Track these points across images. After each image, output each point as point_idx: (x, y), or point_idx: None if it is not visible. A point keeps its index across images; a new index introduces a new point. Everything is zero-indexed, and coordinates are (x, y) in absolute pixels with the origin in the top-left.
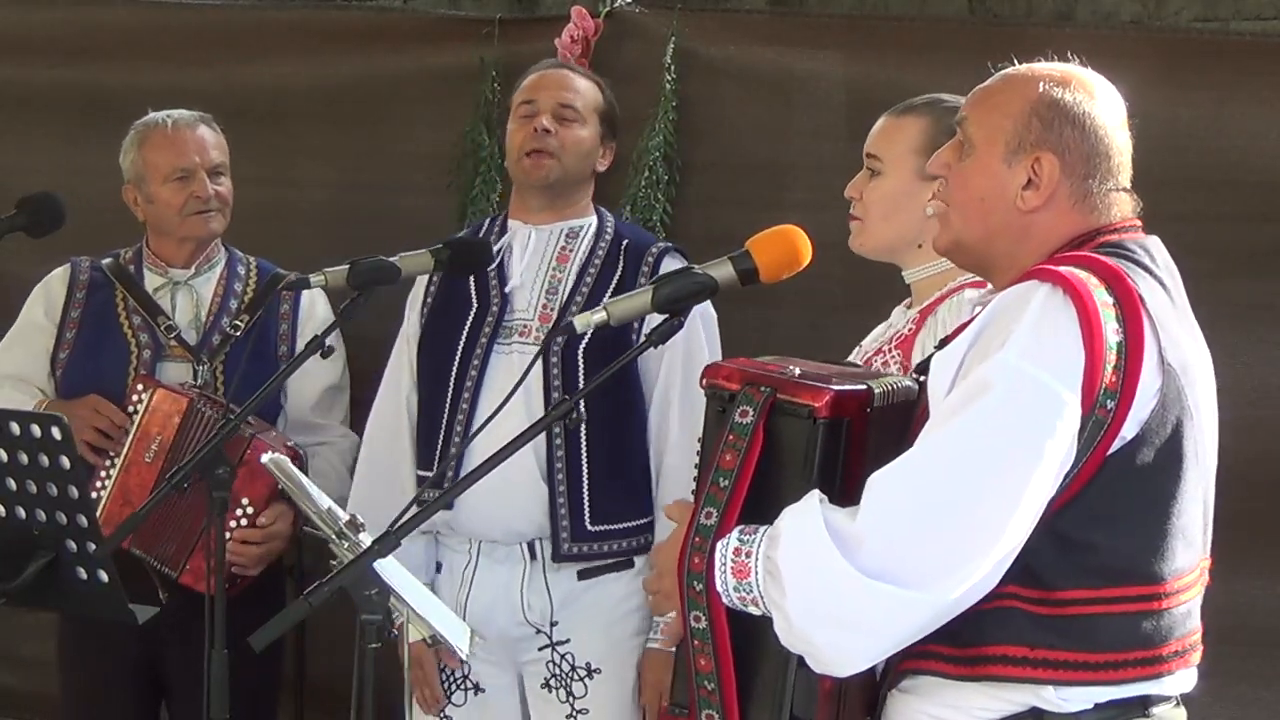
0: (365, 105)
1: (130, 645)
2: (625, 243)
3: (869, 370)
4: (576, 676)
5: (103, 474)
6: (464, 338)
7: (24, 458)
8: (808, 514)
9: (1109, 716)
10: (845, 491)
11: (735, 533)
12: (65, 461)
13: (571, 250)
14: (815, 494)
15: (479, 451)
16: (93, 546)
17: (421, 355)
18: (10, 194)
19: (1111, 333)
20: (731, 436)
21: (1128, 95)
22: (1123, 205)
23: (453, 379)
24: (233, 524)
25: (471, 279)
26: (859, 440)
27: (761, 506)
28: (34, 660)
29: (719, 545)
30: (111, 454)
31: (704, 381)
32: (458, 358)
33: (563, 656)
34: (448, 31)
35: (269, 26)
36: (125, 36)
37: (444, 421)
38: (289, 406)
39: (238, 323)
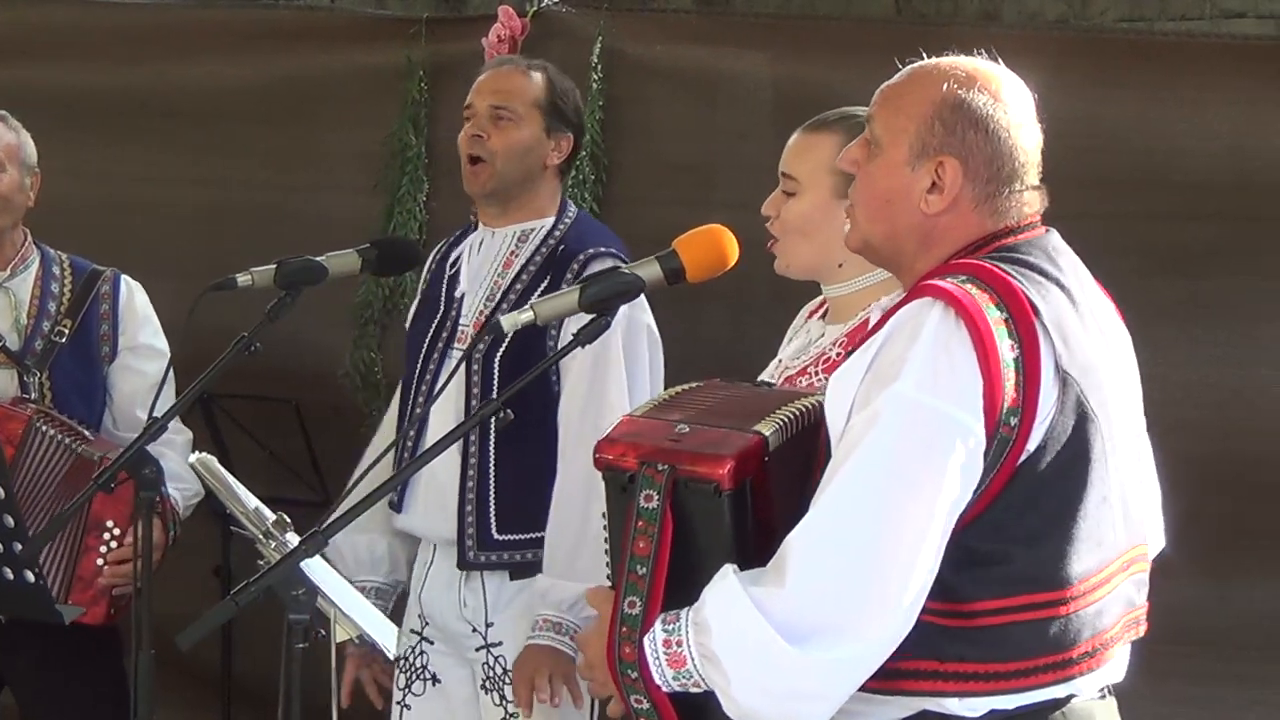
0: (294, 104)
1: None
2: (562, 247)
3: (772, 393)
4: (508, 680)
5: None
6: (426, 342)
7: None
8: (732, 596)
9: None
10: (759, 543)
11: (658, 625)
12: None
13: (519, 254)
14: (730, 570)
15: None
16: (18, 547)
17: (405, 358)
18: None
19: (1007, 349)
20: (641, 523)
21: (1053, 95)
22: (1026, 205)
23: (413, 384)
24: (103, 549)
25: (445, 283)
26: (763, 491)
27: (680, 582)
28: None
29: (645, 641)
30: None
31: (597, 459)
32: (419, 363)
33: (496, 659)
34: (375, 31)
35: (198, 26)
36: (53, 35)
37: (403, 426)
38: (115, 407)
39: (61, 328)
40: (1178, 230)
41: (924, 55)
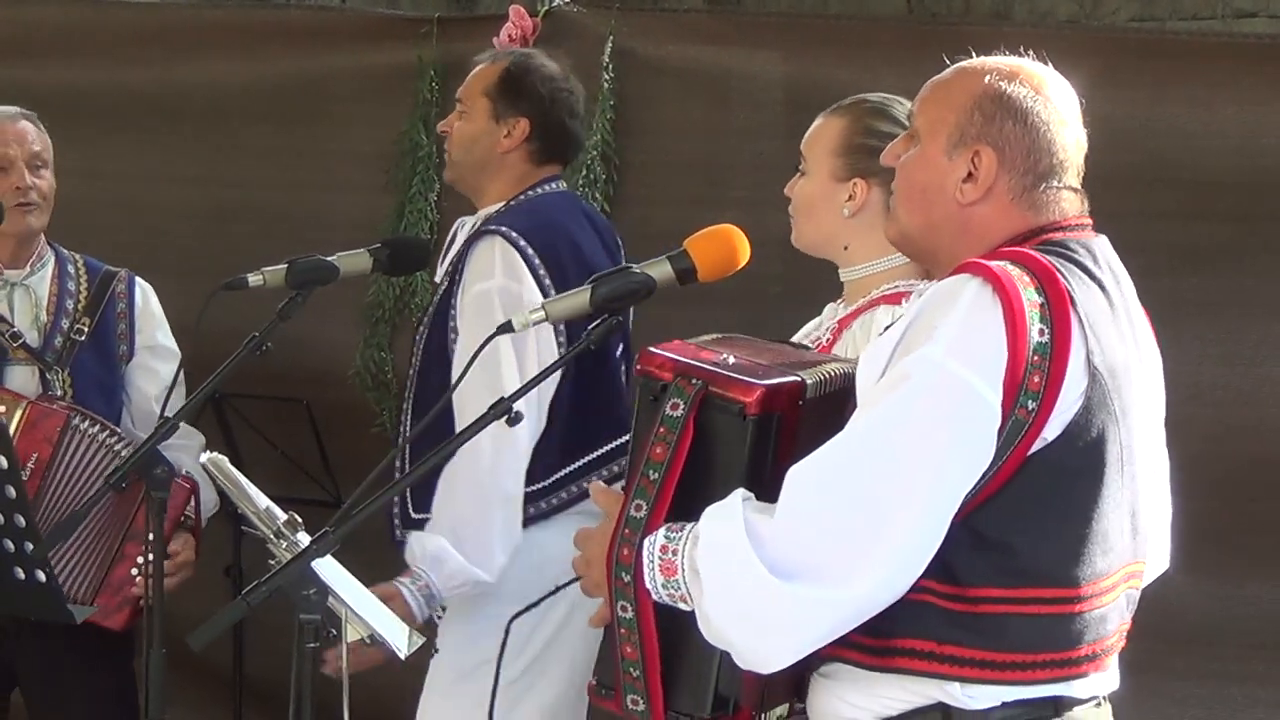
0: (304, 104)
1: None
2: (477, 225)
3: (814, 354)
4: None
5: None
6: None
7: None
8: (729, 515)
9: (1015, 715)
10: (775, 484)
11: (663, 530)
12: (1, 462)
13: None
14: (739, 493)
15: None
16: (30, 546)
17: None
18: None
19: (1036, 333)
20: (662, 429)
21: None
22: (1068, 204)
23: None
24: (139, 559)
25: None
26: (790, 433)
27: (691, 498)
28: None
29: (646, 542)
30: None
31: (638, 368)
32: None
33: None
34: (386, 31)
35: (207, 25)
36: (61, 35)
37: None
38: (134, 406)
39: (80, 325)
40: (1187, 229)
41: (945, 57)
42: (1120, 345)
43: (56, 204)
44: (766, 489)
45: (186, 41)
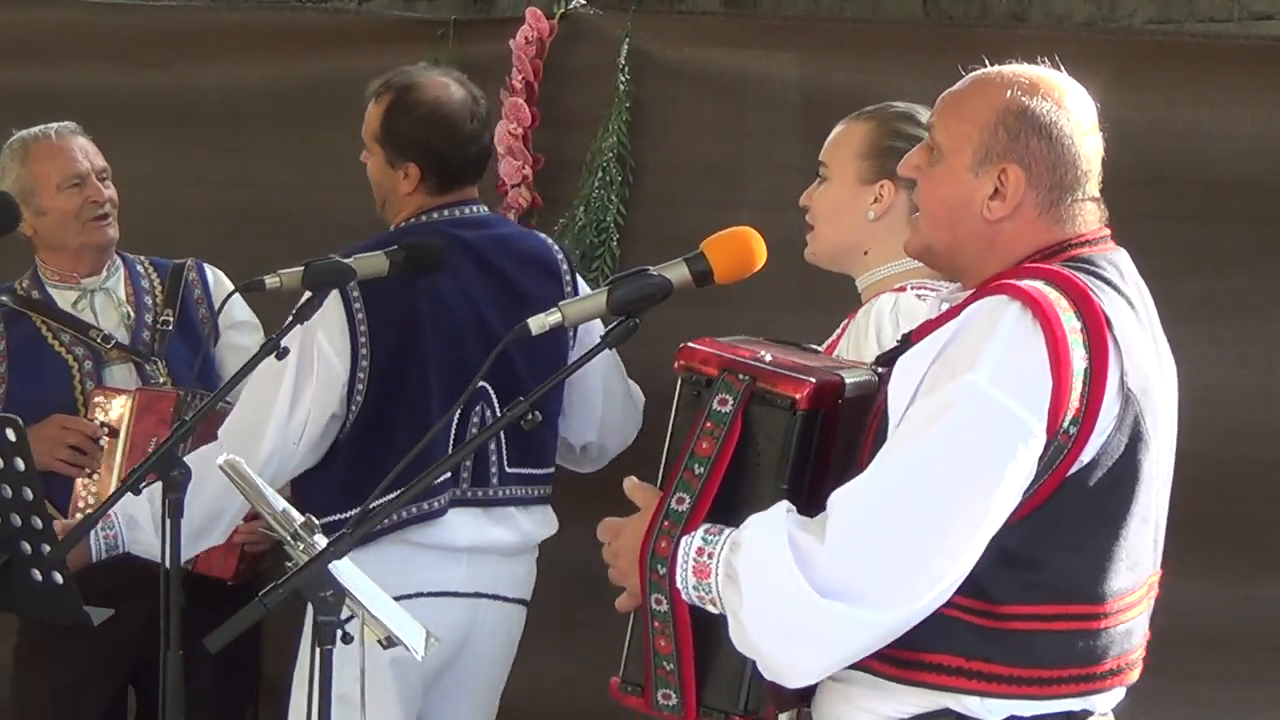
0: (320, 107)
1: (120, 646)
2: None
3: (827, 357)
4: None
5: (84, 492)
6: None
7: None
8: (773, 526)
9: None
10: (813, 486)
11: (701, 531)
12: (19, 464)
13: None
14: (783, 505)
15: None
16: (47, 548)
17: None
18: None
19: (1079, 359)
20: (709, 424)
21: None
22: (1091, 215)
23: None
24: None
25: None
26: (831, 432)
27: (730, 494)
28: None
29: (683, 541)
30: (89, 470)
31: (679, 364)
32: None
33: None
34: (402, 33)
35: (224, 28)
36: (78, 38)
37: None
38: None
39: (165, 317)
40: (1201, 231)
41: (952, 58)
42: (1147, 363)
43: None
44: (805, 487)
45: (204, 44)
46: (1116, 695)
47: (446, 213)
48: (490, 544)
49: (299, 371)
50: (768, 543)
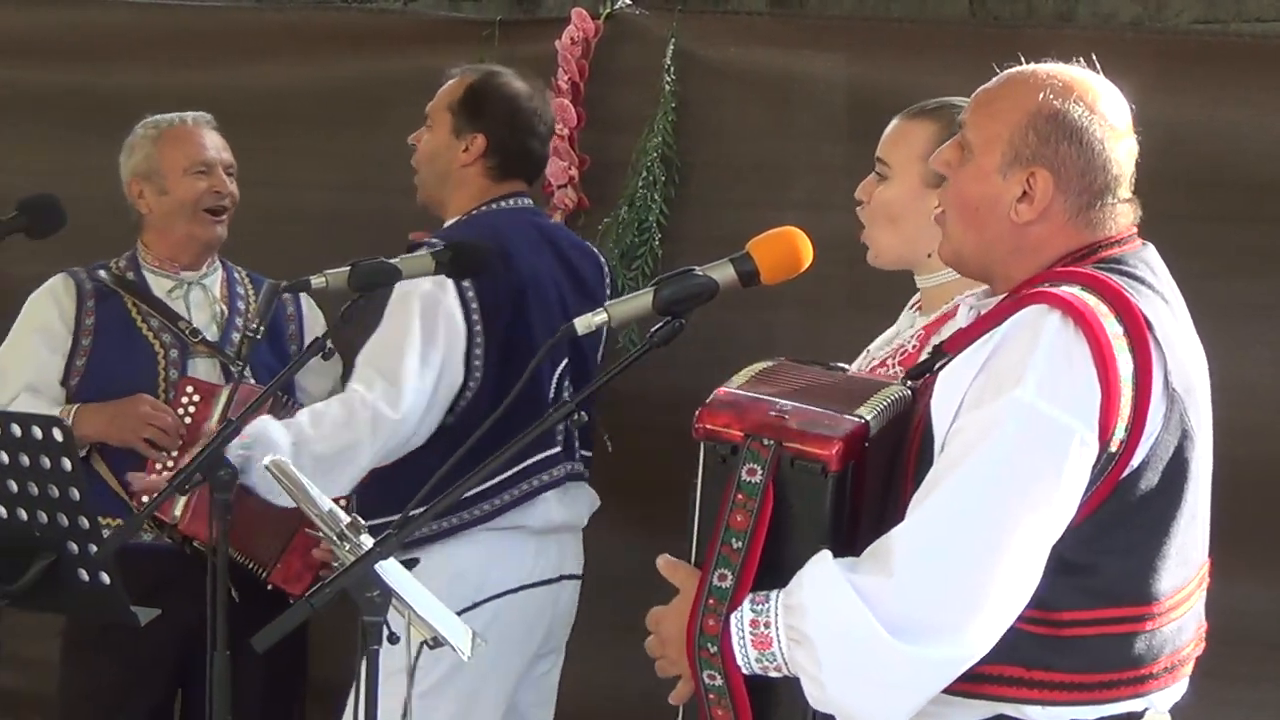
0: (364, 107)
1: (168, 646)
2: None
3: (852, 377)
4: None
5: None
6: None
7: (25, 460)
8: (831, 581)
9: None
10: (852, 530)
11: (746, 604)
12: (66, 464)
13: None
14: (827, 555)
15: None
16: (93, 548)
17: None
18: (8, 195)
19: (1124, 364)
20: (740, 496)
21: (1126, 96)
22: (1123, 217)
23: None
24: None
25: None
26: (862, 478)
27: (771, 557)
28: (35, 661)
29: (733, 618)
30: (170, 456)
31: (700, 429)
32: None
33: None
34: (447, 33)
35: (268, 28)
36: (123, 38)
37: None
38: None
39: (256, 324)
40: (1242, 232)
41: (998, 57)
42: (1188, 358)
43: (109, 207)
44: (844, 540)
45: (246, 44)
46: (1175, 693)
47: (512, 201)
48: (573, 521)
49: (424, 329)
50: (833, 597)
